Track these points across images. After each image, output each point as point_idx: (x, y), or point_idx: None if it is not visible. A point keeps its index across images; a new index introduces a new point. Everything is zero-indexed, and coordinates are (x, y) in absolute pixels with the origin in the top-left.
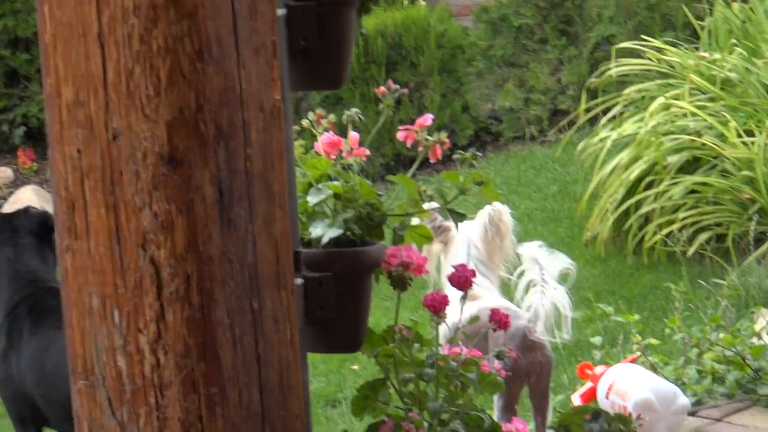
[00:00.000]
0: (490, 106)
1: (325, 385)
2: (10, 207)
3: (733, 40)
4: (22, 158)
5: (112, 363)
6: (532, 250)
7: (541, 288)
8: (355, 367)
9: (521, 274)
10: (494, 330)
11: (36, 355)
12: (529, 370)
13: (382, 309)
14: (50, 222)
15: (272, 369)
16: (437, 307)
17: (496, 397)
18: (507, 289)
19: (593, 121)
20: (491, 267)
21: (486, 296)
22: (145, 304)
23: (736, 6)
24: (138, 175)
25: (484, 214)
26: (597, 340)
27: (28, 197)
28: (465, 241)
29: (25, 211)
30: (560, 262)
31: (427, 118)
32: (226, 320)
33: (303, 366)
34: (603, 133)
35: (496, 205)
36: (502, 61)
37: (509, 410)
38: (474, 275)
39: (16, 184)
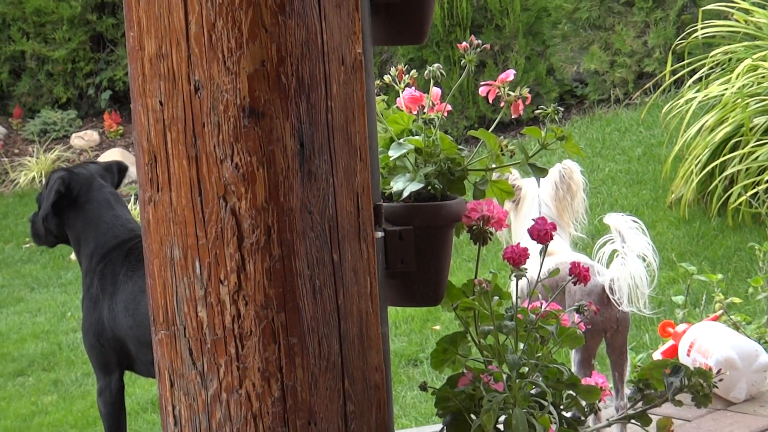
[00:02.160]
0: (575, 68)
1: (406, 344)
2: None
3: None
4: (108, 122)
5: (193, 313)
6: (618, 220)
7: (621, 260)
8: (437, 327)
9: (605, 242)
10: (573, 283)
11: (133, 297)
12: (606, 326)
13: (464, 270)
14: (124, 169)
15: (352, 321)
16: (517, 259)
17: (573, 352)
18: (578, 249)
19: (679, 84)
20: (562, 225)
21: (562, 252)
22: (225, 255)
23: None
24: (220, 127)
25: (554, 172)
26: (679, 299)
27: (115, 160)
28: (535, 199)
29: (116, 164)
30: (642, 241)
31: (510, 74)
32: (306, 271)
33: (383, 319)
34: (688, 95)
35: (567, 162)
36: (588, 23)
37: (586, 365)
38: (554, 228)
39: (102, 147)
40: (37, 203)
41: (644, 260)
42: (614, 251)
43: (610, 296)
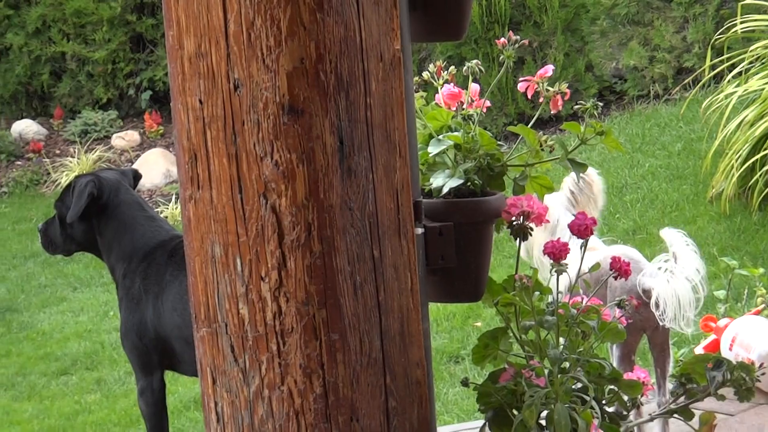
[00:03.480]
0: (614, 64)
1: (448, 341)
2: (138, 170)
3: None
4: (148, 122)
5: (235, 310)
6: (673, 236)
7: (669, 275)
8: (479, 324)
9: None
10: (615, 278)
11: (180, 297)
12: (645, 324)
13: (505, 266)
14: (138, 177)
15: (393, 317)
16: (557, 254)
17: (613, 348)
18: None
19: (718, 79)
20: None
21: (600, 248)
22: (266, 252)
23: None
24: (259, 125)
25: (568, 181)
26: (721, 294)
27: (155, 160)
28: (557, 201)
29: (131, 171)
30: (692, 263)
31: (548, 69)
32: (346, 268)
33: (424, 315)
34: (728, 90)
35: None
36: (626, 19)
37: (626, 361)
38: (595, 223)
39: (143, 147)
40: (56, 210)
41: (691, 282)
42: (661, 267)
43: (654, 311)
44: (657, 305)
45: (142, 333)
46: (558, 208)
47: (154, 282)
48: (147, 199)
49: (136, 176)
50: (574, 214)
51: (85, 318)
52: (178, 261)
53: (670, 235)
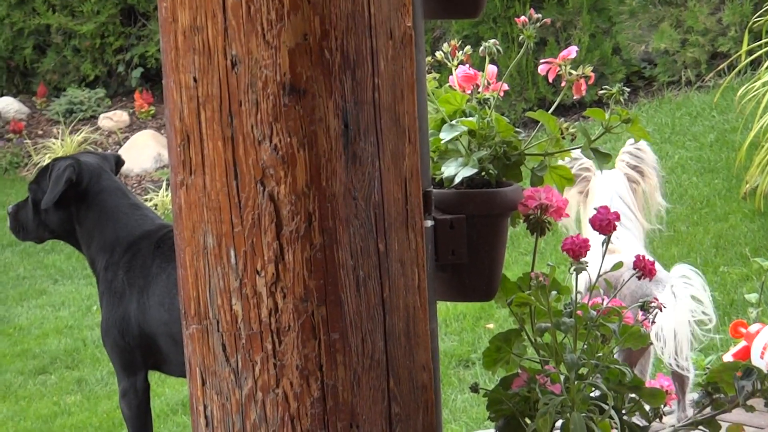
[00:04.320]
0: (643, 47)
1: (457, 344)
2: (126, 153)
3: None
4: (138, 101)
5: (227, 306)
6: (682, 268)
7: (670, 310)
8: (491, 325)
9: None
10: (638, 278)
11: (168, 291)
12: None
13: (521, 264)
14: (121, 163)
15: (398, 316)
16: (577, 251)
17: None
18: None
19: (755, 65)
20: (638, 217)
21: (625, 251)
22: (263, 244)
23: None
24: (258, 106)
25: (623, 155)
26: (753, 297)
27: (145, 143)
28: (607, 190)
29: (113, 156)
30: (695, 289)
31: (572, 51)
32: (349, 262)
33: (432, 314)
34: (766, 77)
35: (636, 142)
36: None
37: None
38: (618, 218)
39: (132, 129)
40: (30, 192)
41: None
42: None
43: (654, 343)
44: (658, 337)
45: (124, 330)
46: (617, 183)
47: (139, 275)
48: (136, 185)
49: (119, 162)
50: (621, 197)
51: (66, 313)
52: (165, 252)
53: (679, 268)
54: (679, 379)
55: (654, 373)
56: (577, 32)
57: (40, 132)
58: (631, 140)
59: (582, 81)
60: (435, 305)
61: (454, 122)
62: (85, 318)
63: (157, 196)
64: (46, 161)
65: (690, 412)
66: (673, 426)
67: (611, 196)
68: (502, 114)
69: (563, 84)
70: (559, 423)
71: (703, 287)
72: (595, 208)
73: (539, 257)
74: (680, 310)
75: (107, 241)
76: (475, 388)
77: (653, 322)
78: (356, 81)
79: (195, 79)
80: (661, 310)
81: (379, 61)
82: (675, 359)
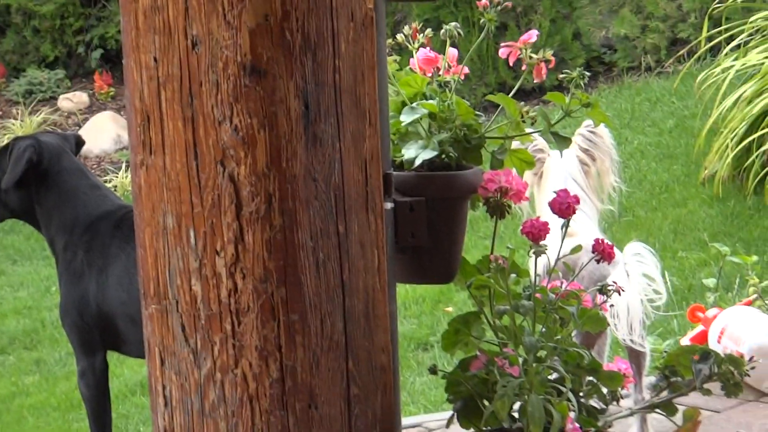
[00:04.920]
0: (603, 33)
1: (416, 327)
2: (86, 134)
3: None
4: (98, 83)
5: (187, 287)
6: (635, 246)
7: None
8: (450, 309)
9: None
10: (597, 261)
11: (126, 271)
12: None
13: (480, 248)
14: (81, 143)
15: (357, 297)
16: (536, 234)
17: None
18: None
19: (715, 51)
20: (591, 198)
21: (582, 233)
22: (222, 225)
23: None
24: (218, 86)
25: (577, 138)
26: (711, 282)
27: (105, 124)
28: (561, 170)
29: (73, 136)
30: (648, 267)
31: (532, 34)
32: (309, 243)
33: (391, 296)
34: (725, 64)
35: (591, 124)
36: None
37: None
38: (578, 202)
39: (92, 110)
40: None
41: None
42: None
43: (609, 321)
44: (610, 314)
45: (83, 310)
46: (570, 165)
47: (98, 255)
48: (95, 166)
49: (79, 142)
50: (574, 178)
51: (25, 293)
52: (125, 233)
53: (631, 246)
54: (636, 360)
55: (612, 356)
56: (538, 17)
57: (0, 113)
58: (587, 122)
59: (542, 65)
60: (394, 287)
61: (414, 105)
62: (44, 299)
63: (117, 177)
64: (6, 141)
65: (647, 394)
66: (630, 409)
67: (565, 177)
68: (463, 98)
69: (524, 68)
70: (517, 405)
71: (655, 265)
72: (554, 192)
73: (498, 240)
74: (633, 288)
75: (67, 221)
76: (433, 370)
77: (611, 305)
78: (317, 62)
79: (155, 59)
80: (620, 294)
81: (340, 43)
82: (629, 336)
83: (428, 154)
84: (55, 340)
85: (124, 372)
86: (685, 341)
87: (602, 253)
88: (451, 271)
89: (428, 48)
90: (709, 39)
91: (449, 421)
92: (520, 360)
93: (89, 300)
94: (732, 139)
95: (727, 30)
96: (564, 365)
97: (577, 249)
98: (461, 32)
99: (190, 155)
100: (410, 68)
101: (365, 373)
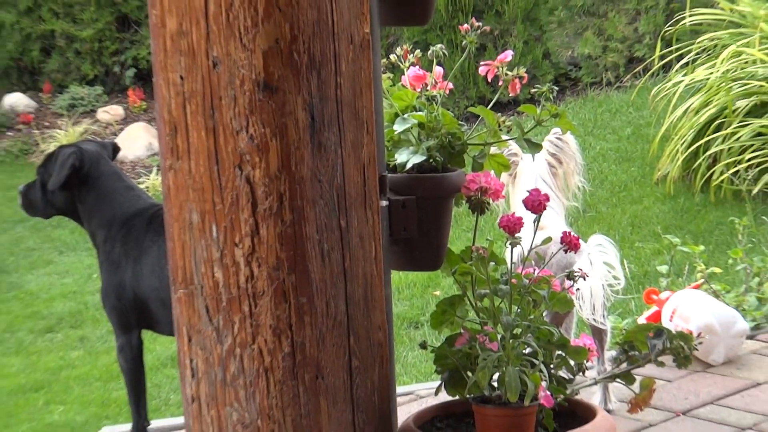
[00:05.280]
0: (569, 53)
1: (408, 308)
2: (121, 142)
3: None
4: (132, 98)
5: (210, 274)
6: (598, 238)
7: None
8: (437, 292)
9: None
10: (564, 251)
11: (158, 261)
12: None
13: (463, 240)
14: (117, 150)
15: (357, 283)
16: (512, 227)
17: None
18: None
19: (667, 68)
20: (559, 196)
21: (552, 227)
22: (240, 220)
23: None
24: (236, 101)
25: (547, 144)
26: (663, 268)
27: (138, 133)
28: (532, 171)
29: (110, 144)
30: (608, 256)
31: (508, 54)
32: (315, 236)
33: (386, 281)
34: (676, 79)
35: (559, 131)
36: (582, 10)
37: None
38: (548, 199)
39: (127, 121)
40: (38, 175)
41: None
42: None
43: (575, 303)
44: (576, 297)
45: (121, 294)
46: (539, 167)
47: (134, 247)
48: (130, 170)
49: (116, 149)
50: (543, 179)
51: (70, 280)
52: (156, 228)
53: (594, 237)
54: (598, 336)
55: (578, 333)
56: (513, 39)
57: (47, 124)
58: (555, 130)
59: (517, 81)
60: (389, 274)
61: (406, 116)
62: (86, 284)
63: (149, 179)
64: (52, 148)
65: (608, 366)
66: (594, 379)
67: (536, 178)
68: (448, 109)
69: (500, 83)
70: (496, 376)
71: (615, 254)
72: (527, 191)
73: (479, 233)
74: (595, 274)
75: (105, 218)
76: (423, 346)
77: (577, 289)
78: (321, 80)
79: (181, 77)
80: (584, 279)
81: (341, 63)
82: (592, 315)
83: (418, 159)
84: (96, 320)
85: (157, 348)
86: (641, 320)
87: (569, 244)
88: (439, 259)
89: (417, 66)
90: (662, 57)
91: (438, 390)
92: (499, 336)
93: (126, 286)
94: (682, 145)
95: (677, 50)
96: (536, 341)
97: (547, 240)
98: (446, 53)
99: (211, 160)
100: (402, 84)
101: (365, 348)
